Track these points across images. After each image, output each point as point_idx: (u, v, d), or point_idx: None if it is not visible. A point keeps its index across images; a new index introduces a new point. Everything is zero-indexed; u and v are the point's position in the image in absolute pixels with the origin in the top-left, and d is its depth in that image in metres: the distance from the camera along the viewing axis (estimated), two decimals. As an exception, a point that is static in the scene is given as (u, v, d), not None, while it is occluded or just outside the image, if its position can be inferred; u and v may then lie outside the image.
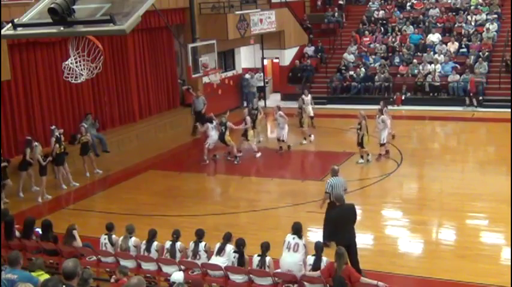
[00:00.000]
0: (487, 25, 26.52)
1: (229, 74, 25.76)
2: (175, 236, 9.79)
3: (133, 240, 9.98)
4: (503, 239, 11.70)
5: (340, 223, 9.91)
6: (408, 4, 29.86)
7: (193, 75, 19.68)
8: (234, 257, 9.17)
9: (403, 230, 12.40)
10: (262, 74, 27.21)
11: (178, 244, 9.72)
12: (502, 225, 12.12)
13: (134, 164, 18.18)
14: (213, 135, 17.68)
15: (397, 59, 26.41)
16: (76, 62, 12.64)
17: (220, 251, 9.39)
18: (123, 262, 9.69)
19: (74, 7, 4.90)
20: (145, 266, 9.77)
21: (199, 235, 9.73)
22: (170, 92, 22.79)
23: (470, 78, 23.65)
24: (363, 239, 11.15)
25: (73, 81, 13.19)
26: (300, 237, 9.29)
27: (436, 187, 15.08)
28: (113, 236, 10.18)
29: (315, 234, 11.71)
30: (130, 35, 19.71)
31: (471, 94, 23.52)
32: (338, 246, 9.02)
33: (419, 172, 16.60)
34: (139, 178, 16.98)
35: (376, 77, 25.49)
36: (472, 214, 13.21)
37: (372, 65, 26.48)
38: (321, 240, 9.56)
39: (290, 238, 9.30)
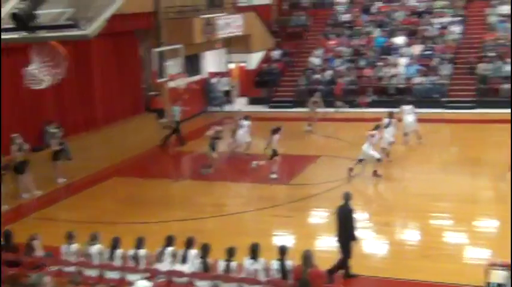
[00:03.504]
0: (451, 27, 26.95)
1: (195, 78, 25.63)
2: (139, 243, 9.67)
3: (96, 248, 9.82)
4: (466, 239, 11.92)
5: (336, 221, 10.26)
6: (374, 7, 30.16)
7: (159, 81, 19.54)
8: (199, 263, 9.10)
9: (368, 232, 12.43)
10: (228, 78, 27.15)
11: (142, 251, 9.60)
12: (464, 225, 12.34)
13: (98, 171, 17.88)
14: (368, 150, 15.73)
15: (363, 62, 26.64)
16: (38, 68, 12.40)
17: (184, 259, 9.29)
18: (86, 271, 9.52)
19: (38, 12, 4.79)
20: (109, 274, 9.61)
21: (167, 241, 9.63)
22: (135, 98, 22.53)
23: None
24: (329, 242, 11.16)
25: (35, 87, 12.92)
26: (256, 259, 8.88)
27: (401, 188, 15.23)
28: (75, 244, 10.00)
29: (281, 238, 11.71)
30: (95, 40, 19.31)
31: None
32: (304, 250, 9.02)
33: (383, 173, 16.66)
34: (104, 185, 16.75)
35: (342, 79, 25.66)
36: (435, 214, 13.37)
37: (338, 68, 26.65)
38: (285, 245, 9.40)
39: (248, 264, 8.90)
